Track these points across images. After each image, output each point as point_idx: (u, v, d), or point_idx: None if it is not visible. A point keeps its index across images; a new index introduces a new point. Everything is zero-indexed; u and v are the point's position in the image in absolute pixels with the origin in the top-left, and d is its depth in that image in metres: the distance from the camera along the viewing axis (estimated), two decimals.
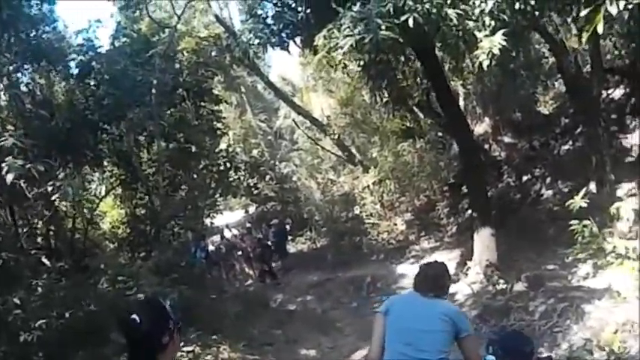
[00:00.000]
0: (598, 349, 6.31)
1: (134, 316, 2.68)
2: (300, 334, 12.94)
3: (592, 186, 11.77)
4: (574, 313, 8.07)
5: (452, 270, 13.30)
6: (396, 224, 18.61)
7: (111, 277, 10.92)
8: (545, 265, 11.67)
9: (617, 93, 14.65)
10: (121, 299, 10.61)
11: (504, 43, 7.32)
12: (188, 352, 10.07)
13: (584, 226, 8.87)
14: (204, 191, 17.75)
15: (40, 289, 9.48)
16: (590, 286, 9.32)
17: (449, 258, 14.27)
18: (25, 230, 13.27)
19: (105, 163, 15.69)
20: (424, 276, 4.45)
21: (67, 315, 9.25)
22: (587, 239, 8.90)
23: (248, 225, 22.97)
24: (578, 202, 9.24)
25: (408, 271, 15.09)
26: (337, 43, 7.95)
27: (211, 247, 19.14)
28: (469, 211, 16.08)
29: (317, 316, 14.69)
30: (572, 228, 9.10)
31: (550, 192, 14.63)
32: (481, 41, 7.54)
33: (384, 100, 12.67)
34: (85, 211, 15.67)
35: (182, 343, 10.29)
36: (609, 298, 8.25)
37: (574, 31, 13.06)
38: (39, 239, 14.39)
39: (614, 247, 8.43)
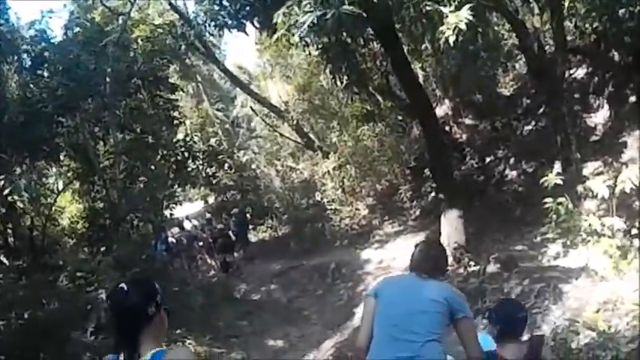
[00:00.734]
0: (584, 329, 6.13)
1: (122, 285, 2.76)
2: (267, 325, 12.79)
3: (557, 166, 11.76)
4: (551, 294, 7.92)
5: None
6: (358, 209, 18.50)
7: (70, 274, 10.63)
8: (513, 246, 11.65)
9: (580, 72, 14.69)
10: (81, 296, 10.33)
11: (471, 18, 7.18)
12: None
13: (559, 203, 8.68)
14: (163, 182, 17.49)
15: None
16: (562, 265, 9.22)
17: (414, 242, 14.09)
18: None
19: (61, 157, 15.28)
20: (425, 256, 4.07)
21: (26, 315, 8.87)
22: (563, 217, 8.73)
23: (208, 215, 22.71)
24: (552, 179, 9.14)
25: (372, 256, 15.04)
26: (297, 20, 7.70)
27: (172, 239, 18.76)
28: (432, 194, 16.16)
29: (283, 306, 14.55)
30: (545, 206, 8.88)
31: (514, 173, 14.67)
32: (447, 17, 7.38)
33: (344, 83, 12.42)
34: (43, 207, 15.25)
35: None
36: (587, 277, 8.12)
37: (536, 11, 13.10)
38: None
39: (590, 224, 8.25)
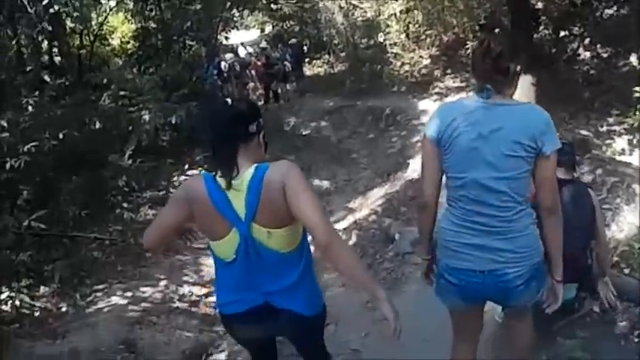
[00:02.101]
0: None
1: (227, 99, 2.82)
2: (315, 162, 12.42)
3: (633, 58, 10.74)
4: (625, 192, 7.12)
5: None
6: (421, 57, 17.58)
7: (114, 93, 10.17)
8: (579, 129, 10.81)
9: None
10: (123, 116, 9.98)
11: None
12: (193, 175, 9.55)
13: None
14: (220, 4, 16.65)
15: (30, 107, 8.64)
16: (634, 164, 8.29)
17: None
18: (28, 50, 12.40)
19: None
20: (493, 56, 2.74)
21: (60, 136, 8.50)
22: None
23: (264, 44, 21.91)
24: (634, 62, 8.08)
25: (430, 107, 14.30)
26: None
27: (224, 65, 18.26)
28: None
29: (332, 145, 14.18)
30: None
31: (587, 54, 13.44)
32: None
33: None
34: (93, 26, 14.68)
35: (187, 166, 9.81)
36: None
37: None
38: (43, 57, 13.58)
39: None
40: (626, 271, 4.94)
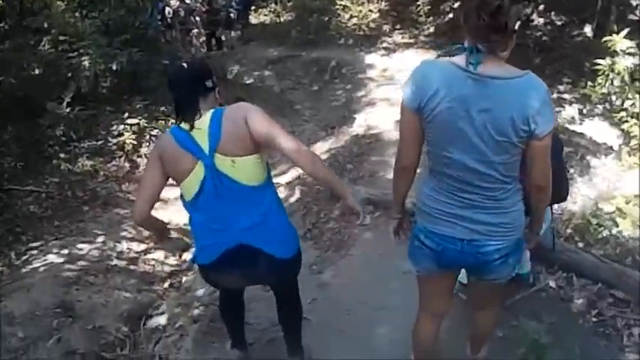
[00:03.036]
0: (620, 218, 5.38)
1: (182, 62, 3.27)
2: None
3: (587, 29, 10.77)
4: (578, 163, 7.10)
5: None
6: (370, 10, 17.41)
7: (54, 37, 9.74)
8: None
9: None
10: (63, 62, 9.57)
11: None
12: (132, 124, 9.32)
13: (613, 63, 7.30)
14: None
15: None
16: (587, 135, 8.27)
17: (423, 58, 13.29)
18: None
19: None
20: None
21: None
22: (599, 83, 7.65)
23: None
24: (588, 33, 8.03)
25: (377, 62, 14.30)
26: None
27: (168, 10, 17.69)
28: (450, 15, 15.08)
29: (275, 95, 13.95)
30: (597, 63, 7.71)
31: (541, 20, 13.49)
32: None
33: None
34: None
35: (126, 114, 9.52)
36: (616, 159, 7.24)
37: None
38: None
39: (634, 104, 7.18)
40: (581, 244, 4.92)
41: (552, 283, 4.46)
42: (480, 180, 2.56)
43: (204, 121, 2.89)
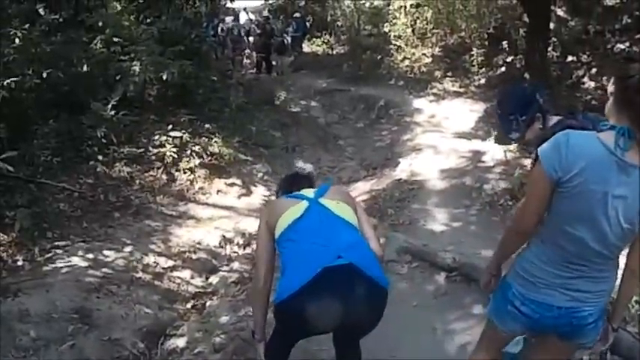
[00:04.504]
0: None
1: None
2: (300, 143, 12.13)
3: None
4: None
5: (473, 123, 12.28)
6: (424, 54, 17.23)
7: (107, 37, 9.68)
8: None
9: None
10: (113, 63, 9.50)
11: None
12: (175, 137, 9.16)
13: None
14: None
15: (18, 40, 8.06)
16: None
17: (471, 109, 13.19)
18: None
19: None
20: None
21: (44, 75, 7.99)
22: None
23: (266, 13, 21.45)
24: None
25: (425, 107, 14.10)
26: None
27: (222, 27, 17.80)
28: (503, 68, 14.92)
29: (320, 127, 13.89)
30: None
31: (592, 84, 13.26)
32: None
33: None
34: None
35: (170, 126, 9.40)
36: None
37: None
38: None
39: None
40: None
41: (585, 358, 4.19)
42: (595, 256, 2.51)
43: None
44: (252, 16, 21.36)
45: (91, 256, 6.15)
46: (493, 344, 3.12)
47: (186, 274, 6.44)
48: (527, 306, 2.70)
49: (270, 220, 3.07)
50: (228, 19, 18.81)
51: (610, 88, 2.48)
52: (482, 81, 15.42)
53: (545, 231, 2.61)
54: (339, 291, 2.76)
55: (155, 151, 8.96)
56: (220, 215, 8.24)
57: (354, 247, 2.89)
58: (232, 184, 9.23)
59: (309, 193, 3.18)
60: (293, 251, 2.90)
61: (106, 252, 6.33)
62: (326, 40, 22.09)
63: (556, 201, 2.46)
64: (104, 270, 5.89)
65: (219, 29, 17.86)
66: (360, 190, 9.11)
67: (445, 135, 11.53)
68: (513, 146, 9.06)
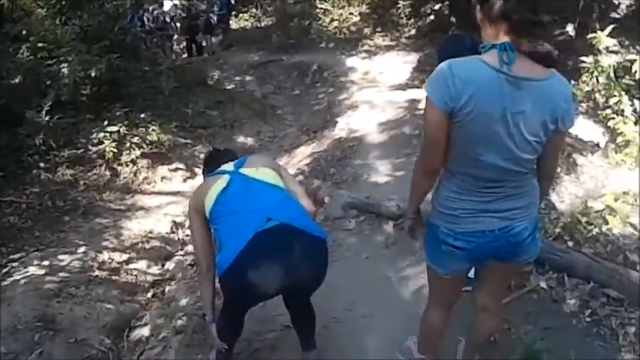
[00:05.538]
0: (610, 216, 5.27)
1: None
2: (238, 119, 12.08)
3: (569, 28, 10.92)
4: (565, 162, 6.98)
5: (408, 74, 12.46)
6: (351, 14, 17.33)
7: (33, 45, 9.58)
8: None
9: None
10: (42, 69, 9.40)
11: None
12: (112, 132, 9.13)
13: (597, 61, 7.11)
14: None
15: None
16: (575, 133, 8.13)
17: (405, 60, 13.38)
18: None
19: None
20: None
21: None
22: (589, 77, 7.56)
23: None
24: (570, 32, 7.95)
25: (358, 65, 14.24)
26: None
27: (148, 16, 17.55)
28: (432, 17, 15.08)
29: (257, 100, 13.82)
30: (581, 61, 7.61)
31: None
32: None
33: None
34: None
35: (106, 122, 9.36)
36: (603, 156, 7.18)
37: None
38: None
39: (619, 101, 7.09)
40: (570, 243, 4.79)
41: (543, 284, 4.35)
42: (507, 175, 2.55)
43: None
44: (176, 1, 21.10)
45: (46, 263, 6.16)
46: (442, 296, 3.11)
47: (142, 264, 6.48)
48: (460, 239, 2.70)
49: (197, 205, 3.24)
50: (153, 7, 18.55)
51: (478, 15, 2.50)
52: (413, 32, 15.61)
53: (452, 163, 2.61)
54: (276, 252, 2.88)
55: (95, 149, 8.94)
56: (168, 202, 8.30)
57: (281, 206, 3.02)
58: (176, 169, 9.30)
59: (229, 166, 3.35)
60: (224, 224, 3.03)
61: (60, 256, 6.33)
62: (253, 14, 22.03)
63: (455, 131, 2.45)
64: (61, 274, 5.89)
65: (145, 19, 17.62)
66: (302, 154, 9.15)
67: (381, 89, 11.67)
68: None
